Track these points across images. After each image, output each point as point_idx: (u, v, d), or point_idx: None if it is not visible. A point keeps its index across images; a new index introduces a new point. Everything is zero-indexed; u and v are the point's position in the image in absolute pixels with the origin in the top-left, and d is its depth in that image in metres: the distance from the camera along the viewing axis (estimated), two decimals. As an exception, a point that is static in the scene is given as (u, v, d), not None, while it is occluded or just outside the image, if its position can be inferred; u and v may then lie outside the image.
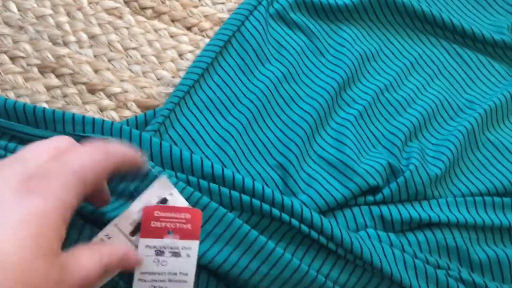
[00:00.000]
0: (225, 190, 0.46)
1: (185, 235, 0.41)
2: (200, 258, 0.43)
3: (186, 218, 0.41)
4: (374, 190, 0.52)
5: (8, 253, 0.26)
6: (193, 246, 0.41)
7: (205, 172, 0.47)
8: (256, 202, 0.45)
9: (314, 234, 0.45)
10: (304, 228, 0.45)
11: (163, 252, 0.41)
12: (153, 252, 0.40)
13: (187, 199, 0.44)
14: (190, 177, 0.46)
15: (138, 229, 0.40)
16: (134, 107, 0.55)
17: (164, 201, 0.41)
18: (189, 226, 0.41)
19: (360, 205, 0.50)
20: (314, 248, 0.46)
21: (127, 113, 0.55)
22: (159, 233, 0.41)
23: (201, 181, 0.46)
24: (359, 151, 0.54)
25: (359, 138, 0.55)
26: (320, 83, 0.59)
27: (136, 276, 0.40)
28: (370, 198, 0.51)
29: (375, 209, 0.50)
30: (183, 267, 0.41)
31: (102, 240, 0.39)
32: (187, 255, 0.41)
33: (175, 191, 0.42)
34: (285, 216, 0.45)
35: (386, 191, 0.51)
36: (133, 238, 0.40)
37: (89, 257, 0.33)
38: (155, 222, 0.41)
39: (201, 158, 0.47)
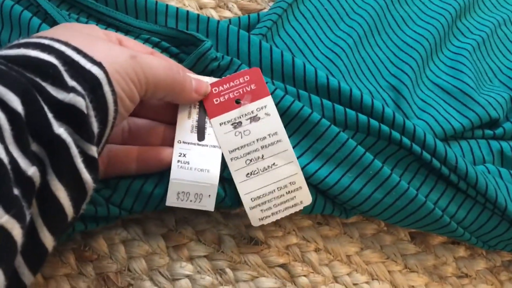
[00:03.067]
0: (339, 107, 0.38)
1: (253, 96, 0.35)
2: (309, 177, 0.36)
3: (246, 80, 0.35)
4: (491, 124, 0.44)
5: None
6: (268, 103, 0.35)
7: (319, 84, 0.39)
8: (374, 122, 0.38)
9: (436, 163, 0.37)
10: (426, 155, 0.37)
11: (240, 122, 0.35)
12: (231, 127, 0.35)
13: (295, 114, 0.37)
14: (301, 91, 0.39)
15: (202, 132, 0.35)
16: (235, 8, 0.47)
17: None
18: (253, 86, 0.35)
19: (477, 138, 0.43)
20: (431, 179, 0.38)
21: (227, 14, 0.47)
22: (227, 107, 0.35)
23: (313, 96, 0.39)
24: (478, 82, 0.46)
25: (476, 68, 0.47)
26: (435, 8, 0.50)
27: (227, 157, 0.34)
28: (489, 131, 0.43)
29: (494, 143, 0.42)
30: (269, 128, 0.35)
31: (180, 162, 0.33)
32: (266, 114, 0.35)
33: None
34: (406, 140, 0.38)
35: (507, 125, 0.43)
36: (204, 141, 0.34)
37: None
38: (217, 98, 0.35)
39: (315, 68, 0.40)
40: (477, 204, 0.38)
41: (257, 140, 0.35)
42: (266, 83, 0.37)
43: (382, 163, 0.37)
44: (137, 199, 0.35)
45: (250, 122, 0.35)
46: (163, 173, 0.35)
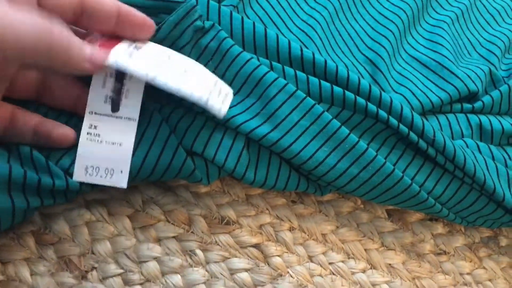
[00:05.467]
0: (314, 79, 0.36)
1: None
2: (283, 151, 0.34)
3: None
4: (470, 98, 0.42)
5: None
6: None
7: (292, 56, 0.37)
8: (349, 95, 0.36)
9: (413, 136, 0.36)
10: (403, 128, 0.36)
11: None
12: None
13: (269, 84, 0.35)
14: (274, 63, 0.36)
15: (117, 103, 0.31)
16: (206, -20, 0.44)
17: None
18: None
19: (456, 112, 0.41)
20: (409, 154, 0.37)
21: (198, -14, 0.44)
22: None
23: (287, 68, 0.36)
24: (456, 55, 0.44)
25: (454, 41, 0.45)
26: (411, -21, 0.48)
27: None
28: (467, 105, 0.41)
29: (473, 117, 0.41)
30: None
31: (90, 134, 0.30)
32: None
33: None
34: (383, 113, 0.36)
35: (486, 99, 0.41)
36: (118, 113, 0.31)
37: None
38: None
39: (289, 40, 0.37)
40: (455, 179, 0.37)
41: None
42: (240, 52, 0.34)
43: (358, 137, 0.35)
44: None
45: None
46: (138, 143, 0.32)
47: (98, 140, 0.31)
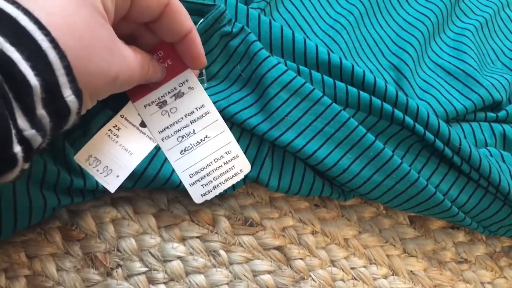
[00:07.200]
0: (341, 84, 0.36)
1: (172, 72, 0.32)
2: (308, 157, 0.34)
3: (161, 56, 0.31)
4: (494, 107, 0.42)
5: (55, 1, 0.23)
6: (188, 77, 0.32)
7: (320, 60, 0.37)
8: (376, 100, 0.36)
9: (439, 144, 0.36)
10: (429, 136, 0.36)
11: (165, 101, 0.32)
12: (156, 107, 0.32)
13: (296, 90, 0.35)
14: (301, 67, 0.36)
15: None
16: (233, -17, 0.45)
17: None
18: (169, 61, 0.32)
19: (480, 120, 0.41)
20: (433, 161, 0.37)
21: (226, -11, 0.44)
22: (146, 89, 0.32)
23: (314, 72, 0.36)
24: (480, 63, 0.44)
25: (479, 50, 0.45)
26: (436, -14, 0.48)
27: (158, 138, 0.33)
28: (491, 114, 0.41)
29: (496, 126, 0.41)
30: (195, 101, 0.33)
31: (111, 131, 0.32)
32: (189, 88, 0.33)
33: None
34: (409, 120, 0.36)
35: (510, 108, 0.41)
36: (144, 129, 0.33)
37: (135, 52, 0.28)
38: None
39: (316, 44, 0.37)
40: (480, 188, 0.37)
41: (185, 115, 0.33)
42: (268, 57, 0.35)
43: (383, 144, 0.35)
44: (128, 176, 0.33)
45: (175, 99, 0.33)
46: (155, 153, 0.33)
47: (114, 140, 0.32)
